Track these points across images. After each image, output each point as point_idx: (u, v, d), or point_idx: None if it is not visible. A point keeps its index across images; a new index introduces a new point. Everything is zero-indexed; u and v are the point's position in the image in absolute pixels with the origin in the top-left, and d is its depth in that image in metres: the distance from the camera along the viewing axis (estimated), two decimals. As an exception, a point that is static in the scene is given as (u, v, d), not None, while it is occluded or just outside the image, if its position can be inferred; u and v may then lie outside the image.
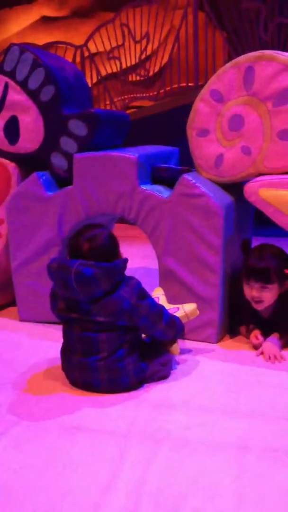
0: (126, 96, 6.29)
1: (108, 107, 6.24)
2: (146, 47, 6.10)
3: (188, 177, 2.73)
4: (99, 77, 6.25)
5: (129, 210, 2.84)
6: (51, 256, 2.99)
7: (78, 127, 2.95)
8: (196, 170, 2.87)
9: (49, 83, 2.95)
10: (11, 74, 3.01)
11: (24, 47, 3.01)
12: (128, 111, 5.96)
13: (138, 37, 6.04)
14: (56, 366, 2.54)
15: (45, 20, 7.73)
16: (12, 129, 3.06)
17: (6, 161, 3.14)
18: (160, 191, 2.82)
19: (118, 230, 3.64)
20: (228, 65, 2.71)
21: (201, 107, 2.78)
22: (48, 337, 2.88)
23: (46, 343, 2.82)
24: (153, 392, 2.31)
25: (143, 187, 2.82)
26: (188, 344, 2.78)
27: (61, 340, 2.43)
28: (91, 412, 2.15)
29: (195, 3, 5.43)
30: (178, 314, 2.56)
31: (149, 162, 2.92)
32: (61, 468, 1.80)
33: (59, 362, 2.46)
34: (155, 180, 2.92)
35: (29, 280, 3.09)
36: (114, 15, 6.03)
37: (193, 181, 2.71)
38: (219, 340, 2.82)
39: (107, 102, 6.26)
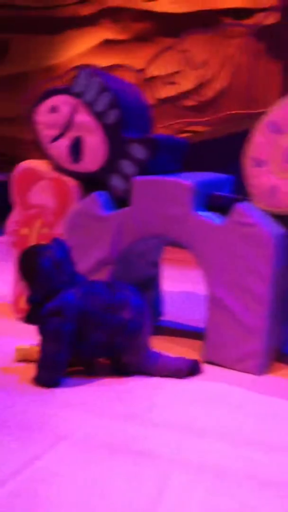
0: (180, 121, 6.40)
1: (162, 131, 6.36)
2: (204, 73, 6.22)
3: (242, 206, 2.78)
4: (156, 101, 6.39)
5: (182, 235, 2.91)
6: (102, 275, 3.09)
7: (138, 151, 3.05)
8: (251, 200, 2.91)
9: (114, 107, 3.08)
10: (80, 96, 3.15)
11: (94, 71, 3.16)
12: (181, 135, 6.07)
13: (197, 64, 6.16)
14: (102, 384, 2.60)
15: (108, 43, 7.95)
16: (77, 149, 3.20)
17: (67, 179, 3.27)
18: (214, 219, 2.88)
19: (168, 253, 3.71)
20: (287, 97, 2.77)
21: (258, 138, 2.84)
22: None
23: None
24: (196, 419, 2.33)
25: (197, 213, 2.88)
26: (232, 374, 2.79)
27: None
28: (135, 432, 2.20)
29: (254, 32, 5.51)
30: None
31: (205, 189, 2.99)
32: (104, 490, 1.83)
33: (114, 382, 2.51)
34: (209, 207, 2.98)
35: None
36: (173, 41, 6.17)
37: (247, 210, 2.76)
38: (264, 371, 2.82)
39: (162, 126, 6.38)
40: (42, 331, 2.57)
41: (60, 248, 2.63)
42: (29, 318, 2.65)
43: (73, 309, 2.53)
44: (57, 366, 2.57)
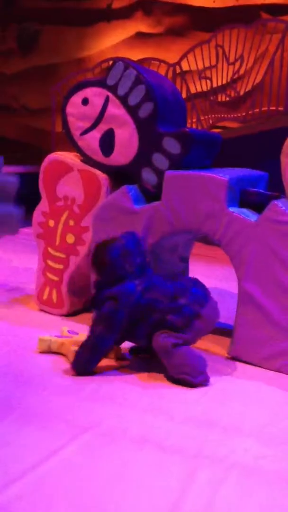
0: (213, 115, 6.33)
1: (194, 125, 6.30)
2: (239, 69, 6.13)
3: (278, 203, 2.71)
4: (188, 95, 6.32)
5: (215, 231, 2.86)
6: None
7: (171, 145, 3.00)
8: (286, 197, 2.84)
9: (148, 100, 3.02)
10: (113, 89, 3.11)
11: (129, 63, 3.10)
12: (213, 131, 6.00)
13: (232, 59, 6.07)
14: (130, 377, 2.58)
15: (140, 36, 7.91)
16: (108, 141, 3.16)
17: (98, 172, 3.23)
18: (248, 215, 2.81)
19: (197, 249, 3.66)
20: None
21: (298, 135, 2.76)
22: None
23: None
24: (224, 416, 2.29)
25: (231, 209, 2.82)
26: (261, 372, 2.74)
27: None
28: (162, 426, 2.17)
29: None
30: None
31: (239, 185, 2.92)
32: (128, 482, 1.81)
33: (137, 373, 2.49)
34: (243, 204, 2.91)
35: (107, 289, 3.15)
36: (210, 35, 6.10)
37: (283, 207, 2.69)
38: (294, 371, 2.76)
39: (194, 120, 6.32)
40: (96, 314, 2.63)
41: (131, 240, 2.69)
42: (91, 303, 2.72)
43: (130, 297, 2.55)
44: (99, 349, 2.58)
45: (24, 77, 8.75)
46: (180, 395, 2.46)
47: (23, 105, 8.79)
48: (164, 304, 2.59)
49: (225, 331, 3.13)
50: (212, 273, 4.50)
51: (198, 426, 2.19)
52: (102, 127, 3.19)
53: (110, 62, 3.22)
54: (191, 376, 2.53)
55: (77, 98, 3.24)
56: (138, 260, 2.67)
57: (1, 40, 8.94)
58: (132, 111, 3.08)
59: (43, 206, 3.42)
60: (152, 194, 3.07)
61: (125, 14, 8.09)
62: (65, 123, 3.33)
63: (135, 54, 7.31)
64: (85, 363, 2.60)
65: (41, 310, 3.50)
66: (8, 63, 8.94)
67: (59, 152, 3.46)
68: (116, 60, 3.16)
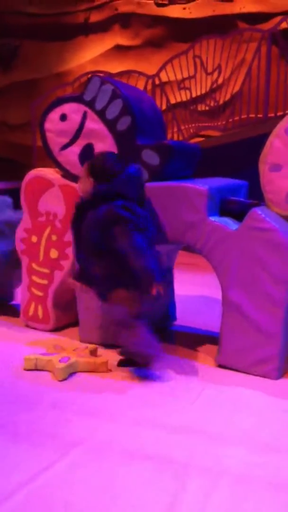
0: (193, 125, 6.39)
1: (175, 135, 6.35)
2: (217, 79, 6.21)
3: (258, 211, 2.74)
4: (168, 105, 6.38)
5: (197, 240, 2.88)
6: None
7: (151, 157, 3.03)
8: (266, 205, 2.87)
9: (126, 114, 3.05)
10: (91, 104, 3.13)
11: (105, 79, 3.13)
12: (194, 140, 6.05)
13: (210, 69, 6.15)
14: (118, 390, 2.58)
15: (119, 49, 7.98)
16: (87, 156, 3.17)
17: (77, 186, 3.24)
18: (229, 224, 2.84)
19: (180, 257, 3.68)
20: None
21: (276, 143, 2.80)
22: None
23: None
24: (212, 424, 2.30)
25: (212, 218, 2.85)
26: (248, 378, 2.75)
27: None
28: (151, 438, 2.17)
29: (269, 37, 5.48)
30: (88, 358, 2.79)
31: (219, 194, 2.95)
32: (119, 494, 1.82)
33: (124, 385, 2.49)
34: (224, 213, 2.94)
35: (91, 303, 3.16)
36: (187, 46, 6.17)
37: (263, 215, 2.72)
38: (280, 376, 2.77)
39: (175, 130, 6.37)
40: (115, 232, 2.58)
41: (136, 169, 2.76)
42: (78, 277, 2.77)
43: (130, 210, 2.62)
44: (144, 251, 2.56)
45: (4, 93, 8.77)
46: (167, 405, 2.47)
47: (3, 121, 8.80)
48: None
49: (211, 339, 3.15)
50: (197, 281, 4.53)
51: (187, 436, 2.20)
52: (81, 142, 3.21)
53: (88, 77, 3.24)
54: (143, 349, 2.68)
55: (54, 115, 3.27)
56: (139, 190, 2.75)
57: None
58: (110, 125, 3.10)
59: (25, 222, 3.42)
60: (133, 207, 3.08)
61: (103, 27, 8.16)
62: (44, 139, 3.34)
63: (115, 67, 7.37)
64: (150, 271, 2.53)
65: (27, 326, 3.49)
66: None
67: (39, 168, 3.47)
68: (92, 75, 3.19)
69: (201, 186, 2.87)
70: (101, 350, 3.01)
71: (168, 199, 2.93)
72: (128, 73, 6.54)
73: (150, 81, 6.34)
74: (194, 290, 4.32)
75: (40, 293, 3.41)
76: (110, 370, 2.80)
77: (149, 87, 6.31)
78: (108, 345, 3.07)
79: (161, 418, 2.34)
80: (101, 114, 3.11)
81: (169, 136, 6.16)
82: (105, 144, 3.13)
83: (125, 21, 8.00)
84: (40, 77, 8.46)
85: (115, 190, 2.67)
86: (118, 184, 2.69)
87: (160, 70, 6.30)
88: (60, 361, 2.74)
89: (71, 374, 2.75)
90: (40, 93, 7.47)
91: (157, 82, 6.36)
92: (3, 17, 8.54)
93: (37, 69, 8.49)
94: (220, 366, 2.88)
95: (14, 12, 8.47)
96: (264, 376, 2.75)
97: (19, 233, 3.44)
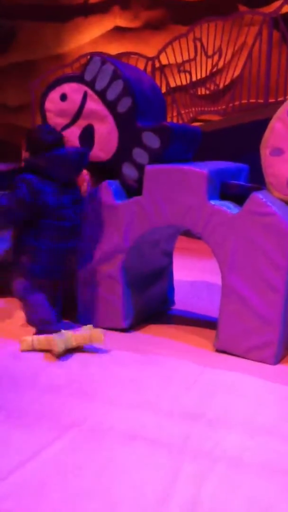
0: (193, 109, 6.32)
1: (175, 119, 6.29)
2: (217, 62, 6.13)
3: (259, 195, 2.72)
4: (168, 89, 6.31)
5: (196, 224, 2.86)
6: (114, 264, 3.05)
7: (151, 140, 2.99)
8: (267, 189, 2.85)
9: (126, 95, 3.01)
10: (91, 84, 3.09)
11: (106, 58, 3.08)
12: (194, 124, 6.00)
13: (210, 52, 6.07)
14: (114, 372, 2.58)
15: (118, 30, 7.87)
16: (87, 137, 3.14)
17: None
18: (229, 207, 2.82)
19: (180, 242, 3.67)
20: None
21: (278, 126, 2.77)
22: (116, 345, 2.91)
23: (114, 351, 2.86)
24: (209, 408, 2.30)
25: (212, 202, 2.83)
26: (246, 363, 2.76)
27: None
28: (147, 421, 2.17)
29: (271, 21, 5.41)
30: (82, 331, 2.81)
31: (219, 177, 2.93)
32: (114, 477, 1.82)
33: (121, 368, 2.48)
34: (224, 196, 2.92)
35: (92, 286, 3.15)
36: (187, 29, 6.08)
37: (264, 199, 2.70)
38: (278, 361, 2.78)
39: (174, 114, 6.31)
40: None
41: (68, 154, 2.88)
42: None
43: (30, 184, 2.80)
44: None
45: (2, 74, 8.66)
46: (165, 388, 2.47)
47: (2, 102, 8.70)
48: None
49: (210, 323, 3.14)
50: (196, 266, 4.52)
51: (184, 420, 2.20)
52: (81, 123, 3.17)
53: (88, 58, 3.19)
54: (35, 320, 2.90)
55: (55, 94, 3.22)
56: (66, 171, 2.88)
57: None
58: (111, 106, 3.06)
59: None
60: (133, 189, 3.07)
61: (102, 8, 8.04)
62: (44, 119, 3.30)
63: (114, 49, 7.28)
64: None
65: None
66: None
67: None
68: (92, 55, 3.14)
69: (201, 169, 2.84)
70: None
71: (168, 182, 2.90)
72: (127, 54, 6.45)
73: (149, 64, 6.26)
74: (193, 275, 4.31)
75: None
76: (106, 353, 2.80)
77: (148, 69, 6.23)
78: (106, 328, 3.06)
79: (157, 401, 2.34)
80: (101, 94, 3.07)
81: (168, 120, 6.11)
82: (105, 125, 3.09)
83: (125, 2, 7.89)
84: (38, 59, 8.35)
85: (36, 165, 2.82)
86: (40, 160, 2.83)
87: (160, 52, 6.22)
88: (57, 336, 2.74)
89: (69, 353, 2.74)
90: (38, 75, 7.37)
91: (157, 64, 6.29)
92: (1, -2, 8.42)
93: (35, 51, 8.38)
94: (218, 351, 2.88)
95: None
96: (262, 362, 2.75)
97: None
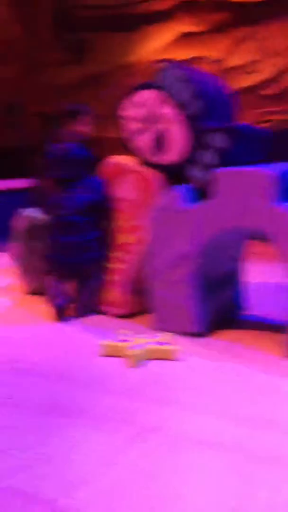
0: (260, 110, 6.25)
1: (241, 121, 6.24)
2: (282, 61, 6.04)
3: None
4: (234, 91, 6.27)
5: (264, 227, 2.80)
6: (185, 269, 3.06)
7: (220, 141, 2.99)
8: None
9: (196, 98, 3.04)
10: (162, 89, 3.15)
11: (176, 64, 3.15)
12: (262, 125, 5.92)
13: (276, 52, 5.98)
14: (190, 379, 2.58)
15: (184, 36, 7.91)
16: (159, 141, 3.19)
17: (150, 172, 3.27)
18: (299, 210, 2.76)
19: (249, 246, 3.62)
20: None
21: None
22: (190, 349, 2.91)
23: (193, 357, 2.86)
24: (284, 415, 2.25)
25: (280, 205, 2.77)
26: None
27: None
28: (222, 428, 2.15)
29: None
30: (159, 345, 2.81)
31: (289, 179, 2.87)
32: (191, 485, 1.80)
33: (198, 377, 2.47)
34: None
35: (163, 290, 3.17)
36: (252, 30, 6.03)
37: None
38: None
39: (242, 115, 6.25)
40: None
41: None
42: None
43: None
44: None
45: (76, 87, 8.90)
46: (239, 395, 2.43)
47: (78, 114, 8.94)
48: None
49: (283, 328, 3.08)
50: (265, 270, 4.43)
51: (262, 427, 2.15)
52: (154, 128, 3.24)
53: (159, 64, 3.27)
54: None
55: (129, 102, 3.32)
56: (61, 169, 3.35)
57: (54, 51, 9.12)
58: (181, 109, 3.10)
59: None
60: (202, 192, 3.07)
61: (167, 15, 8.11)
62: (120, 127, 3.39)
63: (181, 54, 7.32)
64: None
65: (102, 310, 3.55)
66: (62, 74, 9.12)
67: (114, 156, 3.54)
68: (164, 62, 3.21)
69: (270, 170, 2.80)
70: (174, 339, 3.02)
71: (237, 185, 2.87)
72: (194, 59, 6.48)
73: (215, 67, 6.25)
74: (263, 279, 4.23)
75: (114, 278, 3.46)
76: (181, 359, 2.80)
77: (215, 72, 6.22)
78: (178, 333, 3.08)
79: (231, 408, 2.30)
80: (172, 99, 3.12)
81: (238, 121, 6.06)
82: (176, 128, 3.14)
83: (189, 8, 7.91)
84: (110, 69, 8.54)
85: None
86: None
87: (225, 55, 6.20)
88: (132, 348, 2.77)
89: (144, 361, 2.77)
90: (110, 85, 7.53)
91: (222, 67, 6.27)
92: (72, 12, 8.66)
93: (107, 61, 8.58)
94: (289, 356, 2.81)
95: (84, 6, 8.57)
96: None
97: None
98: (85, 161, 3.35)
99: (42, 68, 9.05)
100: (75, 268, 3.39)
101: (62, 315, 3.41)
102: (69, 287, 3.45)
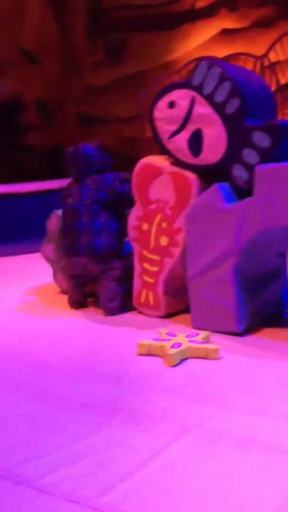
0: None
1: (286, 117, 6.12)
2: None
3: None
4: (278, 86, 6.16)
5: (311, 223, 2.75)
6: (226, 267, 3.03)
7: (261, 139, 2.94)
8: None
9: (234, 96, 2.99)
10: (199, 89, 3.10)
11: (212, 62, 3.09)
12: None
13: None
14: (231, 378, 2.55)
15: (226, 33, 7.81)
16: (196, 141, 3.15)
17: (188, 173, 3.24)
18: None
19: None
20: None
21: None
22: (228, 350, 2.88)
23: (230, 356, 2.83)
24: None
25: None
26: None
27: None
28: (264, 426, 2.12)
29: None
30: (199, 344, 2.79)
31: None
32: (233, 482, 1.79)
33: (239, 375, 2.45)
34: None
35: (203, 290, 3.15)
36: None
37: None
38: None
39: (286, 111, 6.14)
40: None
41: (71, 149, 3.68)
42: None
43: None
44: None
45: (114, 87, 8.96)
46: (283, 393, 2.39)
47: (115, 114, 9.00)
48: None
49: None
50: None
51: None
52: (190, 128, 3.19)
53: (195, 63, 3.22)
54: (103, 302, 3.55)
55: (163, 102, 3.28)
56: (76, 166, 3.64)
57: (91, 52, 9.21)
58: (219, 108, 3.05)
59: (137, 210, 3.49)
60: (244, 191, 3.03)
61: (209, 12, 8.03)
62: (153, 128, 3.37)
63: (222, 51, 7.23)
64: None
65: (140, 312, 3.56)
66: (98, 75, 9.19)
67: (149, 156, 3.52)
68: (199, 60, 3.16)
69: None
70: (213, 337, 3.00)
71: (281, 181, 2.82)
72: (235, 56, 6.40)
73: (258, 63, 6.16)
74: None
75: (151, 280, 3.45)
76: (221, 357, 2.78)
77: (257, 69, 6.13)
78: (220, 332, 3.05)
79: (275, 406, 2.28)
80: (209, 98, 3.07)
81: (280, 117, 5.95)
82: (214, 128, 3.08)
83: (232, 3, 7.81)
84: (148, 69, 8.53)
85: None
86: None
87: (269, 50, 6.10)
88: (172, 347, 2.76)
89: (183, 360, 2.76)
90: (148, 85, 7.53)
91: (266, 63, 6.17)
92: (111, 12, 8.71)
93: (145, 61, 8.56)
94: None
95: (121, 6, 8.61)
96: None
97: (131, 221, 3.51)
98: (93, 159, 3.61)
99: (80, 68, 9.15)
100: (77, 254, 3.53)
101: (78, 307, 3.73)
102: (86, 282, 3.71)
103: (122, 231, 3.59)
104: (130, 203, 3.51)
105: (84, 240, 3.49)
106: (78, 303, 3.74)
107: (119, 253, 3.60)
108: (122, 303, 3.58)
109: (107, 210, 3.55)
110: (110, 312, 3.55)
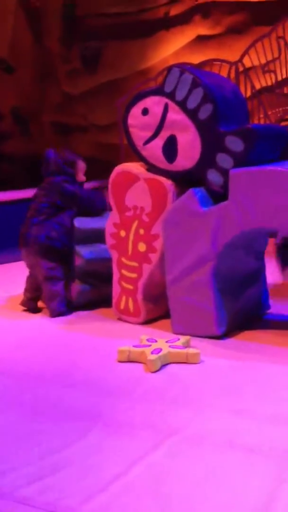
0: (280, 109, 6.18)
1: (262, 121, 6.18)
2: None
3: None
4: (253, 91, 6.22)
5: (287, 225, 2.78)
6: (205, 271, 3.05)
7: (235, 143, 2.97)
8: None
9: (207, 102, 3.01)
10: (171, 95, 3.12)
11: (184, 68, 3.11)
12: (282, 123, 5.86)
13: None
14: (210, 381, 2.56)
15: (200, 39, 7.88)
16: (171, 147, 3.17)
17: (163, 179, 3.26)
18: None
19: (271, 245, 3.58)
20: None
21: None
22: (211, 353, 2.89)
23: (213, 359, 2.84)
24: (282, 410, 2.22)
25: (301, 202, 2.74)
26: None
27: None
28: (246, 428, 2.13)
29: None
30: (179, 349, 2.80)
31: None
32: (216, 485, 1.79)
33: (219, 377, 2.45)
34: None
35: (183, 294, 3.16)
36: (270, 29, 5.97)
37: None
38: None
39: (261, 116, 6.20)
40: None
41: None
42: None
43: None
44: None
45: (90, 95, 8.97)
46: (263, 395, 2.41)
47: (92, 122, 9.01)
48: None
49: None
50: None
51: (284, 426, 2.13)
52: (164, 134, 3.21)
53: (167, 69, 3.24)
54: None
55: (136, 109, 3.30)
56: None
57: (67, 60, 9.21)
58: (192, 114, 3.07)
59: (114, 217, 3.49)
60: (219, 195, 3.05)
61: (183, 19, 8.09)
62: (127, 135, 3.39)
63: (197, 58, 7.28)
64: None
65: (119, 319, 3.56)
66: (74, 83, 9.20)
67: (125, 164, 3.53)
68: (171, 67, 3.19)
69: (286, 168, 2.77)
70: (193, 341, 3.00)
71: (255, 185, 2.85)
72: (210, 62, 6.45)
73: (233, 68, 6.21)
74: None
75: (130, 287, 3.45)
76: (202, 361, 2.79)
77: (232, 74, 6.18)
78: (200, 336, 3.06)
79: (256, 408, 2.29)
80: (182, 104, 3.09)
81: (256, 122, 6.01)
82: (188, 134, 3.11)
83: (206, 10, 7.88)
84: (124, 76, 8.55)
85: None
86: None
87: (243, 55, 6.16)
88: (152, 352, 2.77)
89: (164, 366, 2.76)
90: (124, 92, 7.56)
91: (240, 68, 6.22)
92: (86, 20, 8.74)
93: (121, 69, 8.59)
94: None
95: (96, 14, 8.64)
96: None
97: (108, 227, 3.52)
98: (48, 162, 3.93)
99: (56, 77, 9.15)
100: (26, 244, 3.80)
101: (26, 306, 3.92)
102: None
103: (67, 229, 3.78)
104: (83, 204, 3.84)
105: (33, 232, 3.74)
106: (26, 302, 3.89)
107: (63, 251, 3.76)
108: (66, 303, 3.75)
109: (54, 209, 3.81)
110: (51, 313, 3.72)
